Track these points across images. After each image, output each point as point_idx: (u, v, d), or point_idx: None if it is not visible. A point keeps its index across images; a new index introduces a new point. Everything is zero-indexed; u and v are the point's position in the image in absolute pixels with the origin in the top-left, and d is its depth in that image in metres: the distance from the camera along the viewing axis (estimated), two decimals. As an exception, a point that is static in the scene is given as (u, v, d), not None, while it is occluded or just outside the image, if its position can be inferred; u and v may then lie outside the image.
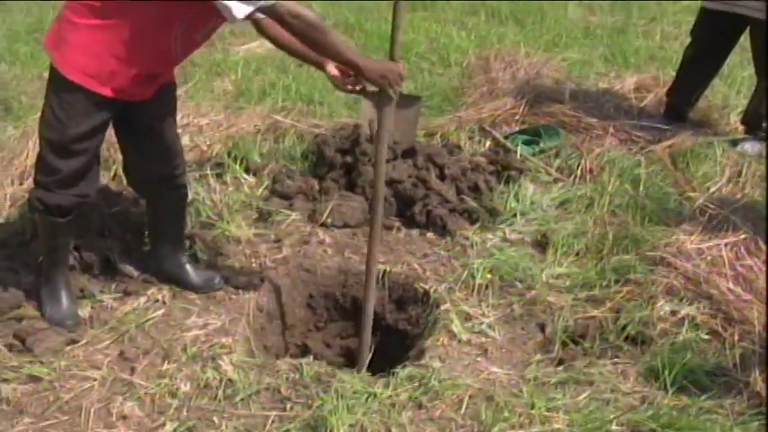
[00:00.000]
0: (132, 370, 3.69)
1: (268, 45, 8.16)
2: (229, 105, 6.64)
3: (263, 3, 3.26)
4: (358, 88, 3.92)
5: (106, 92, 3.51)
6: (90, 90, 3.48)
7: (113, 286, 4.28)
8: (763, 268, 4.42)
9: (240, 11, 3.24)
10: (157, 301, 4.19)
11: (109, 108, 3.60)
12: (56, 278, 4.02)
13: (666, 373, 3.65)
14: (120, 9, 3.35)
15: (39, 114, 3.72)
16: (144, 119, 3.83)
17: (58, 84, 3.54)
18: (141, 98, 3.67)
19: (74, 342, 3.85)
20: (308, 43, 3.52)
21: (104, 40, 3.43)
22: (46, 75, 3.64)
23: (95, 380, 3.61)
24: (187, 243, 4.51)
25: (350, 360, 4.43)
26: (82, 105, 3.53)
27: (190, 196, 4.91)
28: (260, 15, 3.45)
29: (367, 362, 4.00)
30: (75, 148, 3.61)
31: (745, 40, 6.18)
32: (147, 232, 4.49)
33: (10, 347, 3.78)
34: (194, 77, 7.26)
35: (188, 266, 4.33)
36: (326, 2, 9.94)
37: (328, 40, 3.50)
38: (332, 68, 3.85)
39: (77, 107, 3.53)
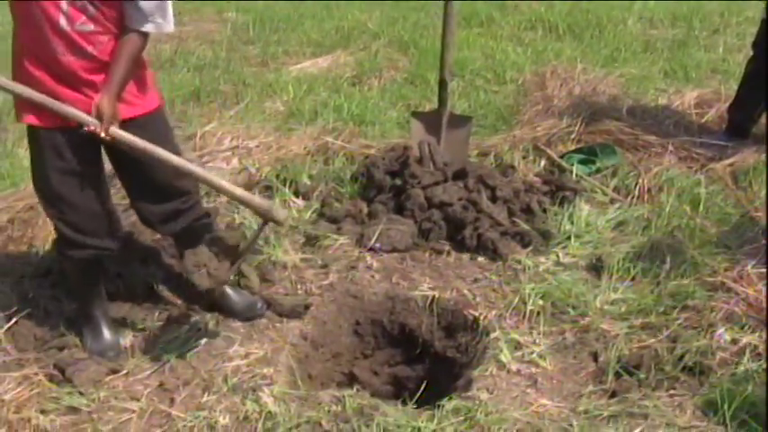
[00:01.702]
0: (171, 401, 3.64)
1: (321, 64, 8.26)
2: (280, 127, 6.58)
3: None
4: None
5: (44, 123, 3.47)
6: (34, 126, 3.49)
7: (156, 314, 4.25)
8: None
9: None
10: (200, 329, 4.12)
11: (68, 145, 3.53)
12: (93, 312, 4.00)
13: (726, 406, 3.47)
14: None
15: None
16: (130, 157, 3.67)
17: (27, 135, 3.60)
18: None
19: (114, 372, 3.82)
20: (122, 58, 3.47)
21: (15, 62, 3.48)
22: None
23: (134, 411, 3.57)
24: (232, 269, 4.46)
25: (398, 388, 4.34)
26: (43, 146, 3.52)
27: (237, 220, 4.87)
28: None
29: None
30: (59, 191, 3.58)
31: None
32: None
33: (50, 378, 3.76)
34: (246, 98, 7.24)
35: (229, 292, 4.26)
36: (383, 20, 9.91)
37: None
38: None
39: (41, 149, 3.53)
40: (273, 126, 6.60)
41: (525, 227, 4.91)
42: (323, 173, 5.73)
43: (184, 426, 3.47)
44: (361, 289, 4.51)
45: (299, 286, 4.54)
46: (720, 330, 3.98)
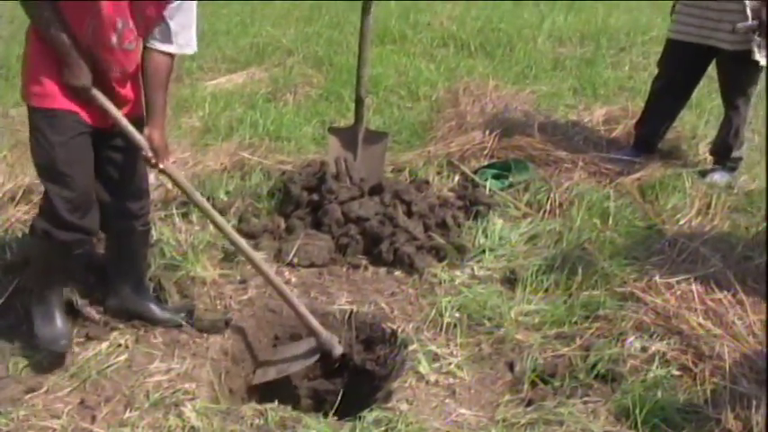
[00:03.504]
0: (93, 419, 3.60)
1: (236, 80, 8.25)
2: (196, 142, 6.58)
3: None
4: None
5: (63, 105, 3.50)
6: (48, 109, 3.50)
7: (75, 331, 4.18)
8: (734, 302, 4.39)
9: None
10: (120, 345, 4.10)
11: (79, 127, 3.58)
12: (50, 298, 3.96)
13: (638, 411, 3.60)
14: None
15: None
16: (114, 154, 3.86)
17: (30, 117, 3.60)
18: (99, 123, 3.65)
19: (33, 390, 3.76)
20: (158, 84, 3.68)
21: (40, 49, 3.49)
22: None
23: (55, 430, 3.52)
24: (151, 285, 4.45)
25: (317, 402, 4.37)
26: (55, 125, 3.53)
27: (154, 236, 4.86)
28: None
29: None
30: (64, 169, 3.57)
31: (712, 70, 6.17)
32: (108, 271, 4.38)
33: (-32, 397, 3.70)
34: (161, 114, 7.19)
35: (151, 304, 4.29)
36: (297, 36, 9.94)
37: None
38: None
39: (52, 128, 3.53)
40: (189, 142, 6.59)
41: (441, 241, 4.99)
42: (240, 189, 5.73)
43: (106, 443, 3.47)
44: (279, 304, 4.50)
45: (218, 302, 4.55)
46: (630, 339, 4.12)
